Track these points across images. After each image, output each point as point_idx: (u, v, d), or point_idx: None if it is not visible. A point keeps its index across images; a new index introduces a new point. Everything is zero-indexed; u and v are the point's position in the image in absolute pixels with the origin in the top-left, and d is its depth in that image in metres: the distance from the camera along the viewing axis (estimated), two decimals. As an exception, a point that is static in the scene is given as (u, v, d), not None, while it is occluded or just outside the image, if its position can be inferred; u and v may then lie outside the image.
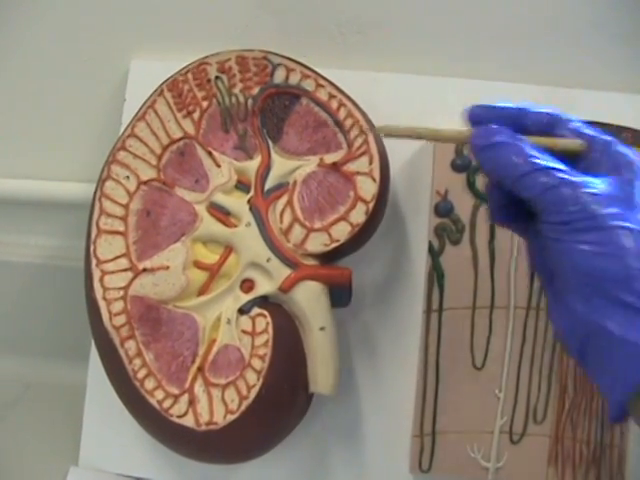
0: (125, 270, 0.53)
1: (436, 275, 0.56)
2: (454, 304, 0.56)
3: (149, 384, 0.52)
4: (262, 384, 0.50)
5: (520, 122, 0.41)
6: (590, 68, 0.61)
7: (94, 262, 0.54)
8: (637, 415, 0.37)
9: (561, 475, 0.54)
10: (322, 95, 0.54)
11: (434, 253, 0.56)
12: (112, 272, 0.53)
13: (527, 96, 0.59)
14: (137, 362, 0.52)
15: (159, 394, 0.52)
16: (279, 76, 0.55)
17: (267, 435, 0.52)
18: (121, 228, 0.54)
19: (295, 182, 0.53)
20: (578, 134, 0.41)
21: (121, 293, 0.53)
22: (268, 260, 0.52)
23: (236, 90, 0.55)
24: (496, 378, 0.55)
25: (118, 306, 0.53)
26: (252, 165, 0.54)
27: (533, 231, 0.41)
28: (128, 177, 0.55)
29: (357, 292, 0.55)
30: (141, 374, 0.52)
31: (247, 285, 0.53)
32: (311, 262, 0.52)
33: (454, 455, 0.55)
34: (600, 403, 0.55)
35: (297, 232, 0.52)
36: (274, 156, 0.54)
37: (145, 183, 0.55)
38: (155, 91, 0.56)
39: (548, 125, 0.42)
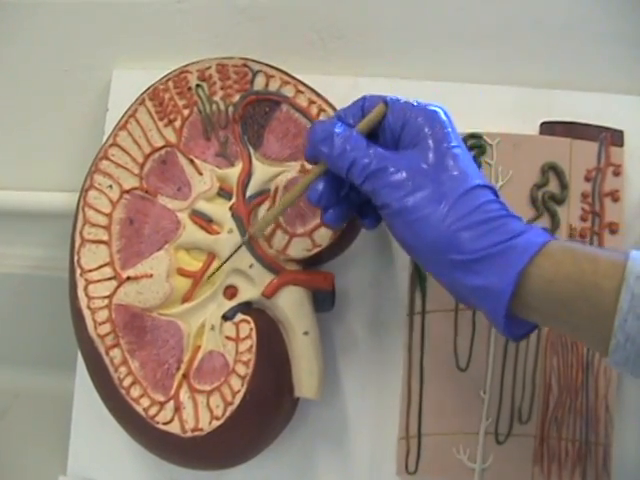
0: (109, 279, 0.54)
1: (419, 278, 0.56)
2: (437, 306, 0.56)
3: (135, 392, 0.52)
4: (247, 390, 0.50)
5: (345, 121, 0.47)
6: (569, 69, 0.62)
7: (78, 271, 0.54)
8: (520, 315, 0.42)
9: (547, 474, 0.55)
10: (302, 101, 0.55)
11: (416, 256, 0.57)
12: (96, 281, 0.54)
13: (506, 97, 0.60)
14: (122, 370, 0.52)
15: (145, 401, 0.52)
16: (259, 83, 0.55)
17: (253, 440, 0.52)
18: (105, 237, 0.54)
19: (277, 188, 0.53)
20: (377, 101, 0.47)
21: (105, 302, 0.53)
22: (251, 266, 0.53)
23: (217, 98, 0.55)
24: (480, 379, 0.55)
25: (103, 315, 0.53)
26: (234, 172, 0.54)
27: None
28: (111, 186, 0.55)
29: (340, 296, 0.55)
30: (127, 382, 0.52)
31: (230, 291, 0.53)
32: (294, 267, 0.53)
33: (440, 457, 0.55)
34: (585, 402, 0.55)
35: (279, 238, 0.53)
36: (255, 163, 0.54)
37: (128, 192, 0.55)
38: (136, 100, 0.56)
39: (364, 111, 0.47)
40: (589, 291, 0.39)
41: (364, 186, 0.44)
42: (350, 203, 0.48)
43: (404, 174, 0.43)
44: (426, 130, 0.44)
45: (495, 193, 0.44)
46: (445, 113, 0.45)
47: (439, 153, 0.43)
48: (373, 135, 0.46)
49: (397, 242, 0.45)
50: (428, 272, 0.45)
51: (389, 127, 0.46)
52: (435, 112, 0.45)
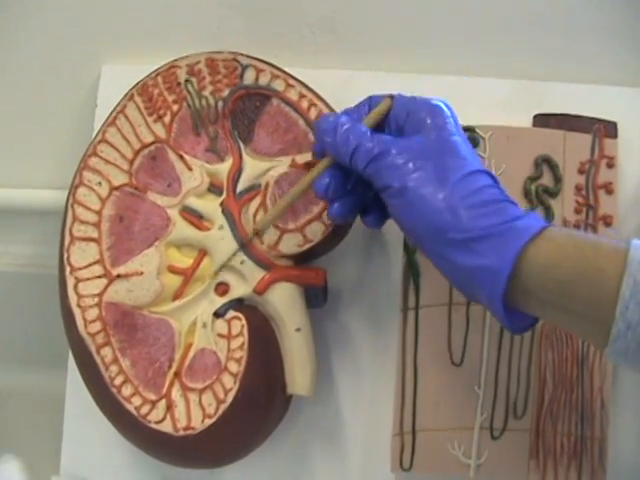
0: (99, 277, 0.53)
1: (412, 273, 0.56)
2: (430, 301, 0.56)
3: (126, 391, 0.51)
4: (239, 387, 0.50)
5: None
6: (562, 61, 0.62)
7: (68, 269, 0.53)
8: (519, 303, 0.42)
9: (542, 469, 0.54)
10: (292, 95, 0.54)
11: (409, 250, 0.56)
12: (86, 279, 0.53)
13: (499, 90, 0.60)
14: (114, 369, 0.52)
15: (136, 400, 0.51)
16: (249, 77, 0.55)
17: (246, 438, 0.52)
18: (94, 234, 0.54)
19: (267, 183, 0.53)
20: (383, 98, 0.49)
21: (96, 300, 0.53)
22: (242, 263, 0.52)
23: (206, 92, 0.55)
24: (475, 374, 0.55)
25: (93, 313, 0.52)
26: (224, 167, 0.54)
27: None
28: (100, 183, 0.54)
29: (333, 292, 0.55)
30: (118, 381, 0.52)
31: (222, 288, 0.53)
32: (285, 263, 0.52)
33: (435, 453, 0.55)
34: (580, 396, 0.55)
35: (270, 234, 0.52)
36: (246, 158, 0.54)
37: (117, 188, 0.54)
38: (125, 96, 0.55)
39: (370, 107, 0.49)
40: (591, 275, 0.39)
41: (367, 170, 0.45)
42: (356, 197, 0.49)
43: (406, 156, 0.44)
44: (428, 121, 0.46)
45: (494, 180, 0.44)
46: (447, 106, 0.47)
47: (440, 140, 0.45)
48: (379, 129, 0.48)
49: (398, 225, 0.46)
50: (427, 256, 0.45)
51: (394, 119, 0.48)
52: (437, 105, 0.47)
